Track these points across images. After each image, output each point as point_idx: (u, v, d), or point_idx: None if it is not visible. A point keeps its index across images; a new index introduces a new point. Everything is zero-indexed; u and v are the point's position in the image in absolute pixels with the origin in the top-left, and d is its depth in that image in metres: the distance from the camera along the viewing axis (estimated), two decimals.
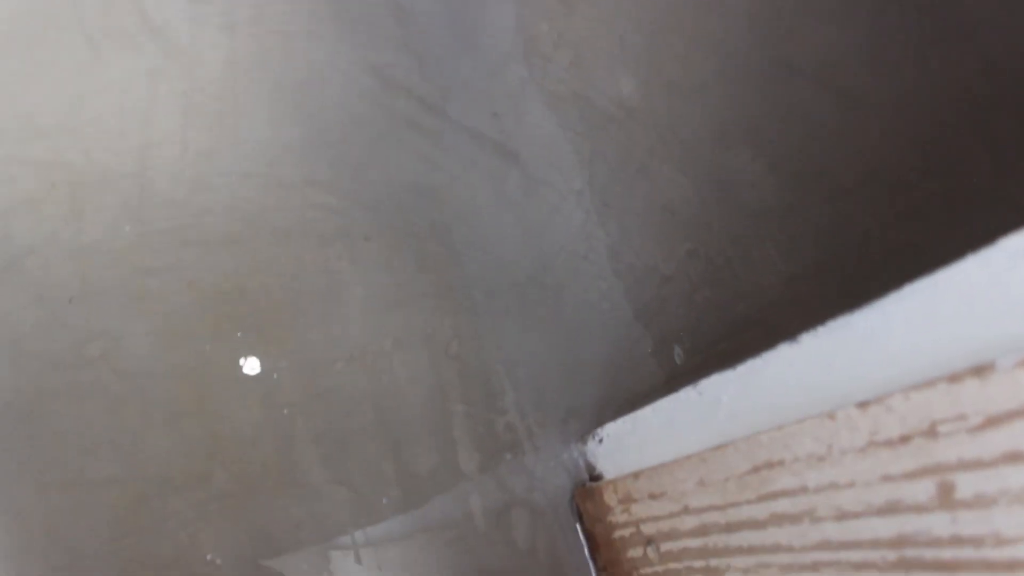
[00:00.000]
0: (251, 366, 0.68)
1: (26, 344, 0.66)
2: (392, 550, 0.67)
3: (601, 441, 0.70)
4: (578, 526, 0.71)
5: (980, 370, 0.34)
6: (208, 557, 0.65)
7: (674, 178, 0.80)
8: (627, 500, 0.65)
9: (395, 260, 0.72)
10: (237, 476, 0.66)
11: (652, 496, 0.63)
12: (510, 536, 0.69)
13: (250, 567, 0.65)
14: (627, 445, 0.68)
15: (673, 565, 0.62)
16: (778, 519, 0.52)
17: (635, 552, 0.66)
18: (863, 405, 0.41)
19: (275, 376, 0.68)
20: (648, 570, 0.65)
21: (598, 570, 0.70)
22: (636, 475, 0.64)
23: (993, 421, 0.34)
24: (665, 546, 0.63)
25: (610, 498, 0.67)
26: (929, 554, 0.38)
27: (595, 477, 0.71)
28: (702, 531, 0.59)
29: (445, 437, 0.69)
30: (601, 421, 0.72)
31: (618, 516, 0.67)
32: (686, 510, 0.60)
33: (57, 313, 0.67)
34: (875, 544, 0.42)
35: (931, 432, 0.37)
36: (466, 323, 0.72)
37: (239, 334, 0.68)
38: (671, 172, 0.80)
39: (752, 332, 0.79)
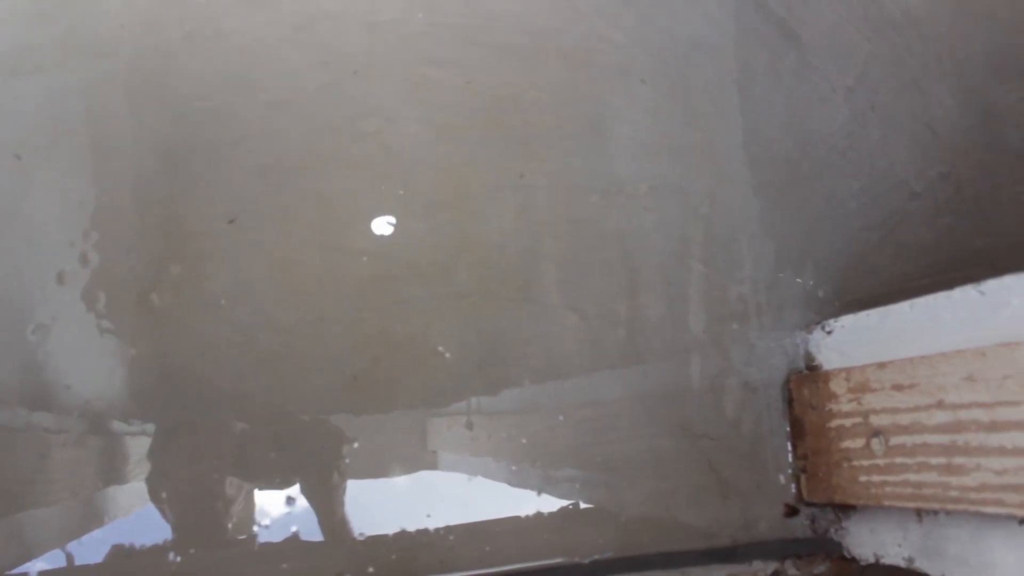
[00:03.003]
0: (510, 175, 0.68)
1: (307, 106, 0.67)
2: (610, 406, 0.67)
3: (830, 332, 0.69)
4: (786, 411, 0.70)
5: None
6: (439, 348, 0.66)
7: (942, 98, 0.77)
8: (861, 389, 0.65)
9: (665, 108, 0.71)
10: (479, 278, 0.67)
11: (897, 387, 0.62)
12: (719, 403, 0.69)
13: (474, 369, 0.66)
14: (867, 337, 0.66)
15: (901, 460, 0.62)
16: None
17: (854, 443, 0.65)
18: None
19: (532, 192, 0.68)
20: (866, 462, 0.65)
21: (796, 457, 0.70)
22: (882, 365, 0.63)
23: None
24: (896, 439, 0.62)
25: (838, 386, 0.67)
26: None
27: (812, 367, 0.71)
28: (954, 428, 0.58)
29: (680, 291, 0.69)
30: (827, 314, 0.71)
31: (843, 405, 0.66)
32: (939, 405, 0.59)
33: (340, 82, 0.67)
34: None
35: None
36: (720, 187, 0.71)
37: (505, 141, 0.68)
38: (940, 91, 0.77)
39: (980, 269, 0.76)
